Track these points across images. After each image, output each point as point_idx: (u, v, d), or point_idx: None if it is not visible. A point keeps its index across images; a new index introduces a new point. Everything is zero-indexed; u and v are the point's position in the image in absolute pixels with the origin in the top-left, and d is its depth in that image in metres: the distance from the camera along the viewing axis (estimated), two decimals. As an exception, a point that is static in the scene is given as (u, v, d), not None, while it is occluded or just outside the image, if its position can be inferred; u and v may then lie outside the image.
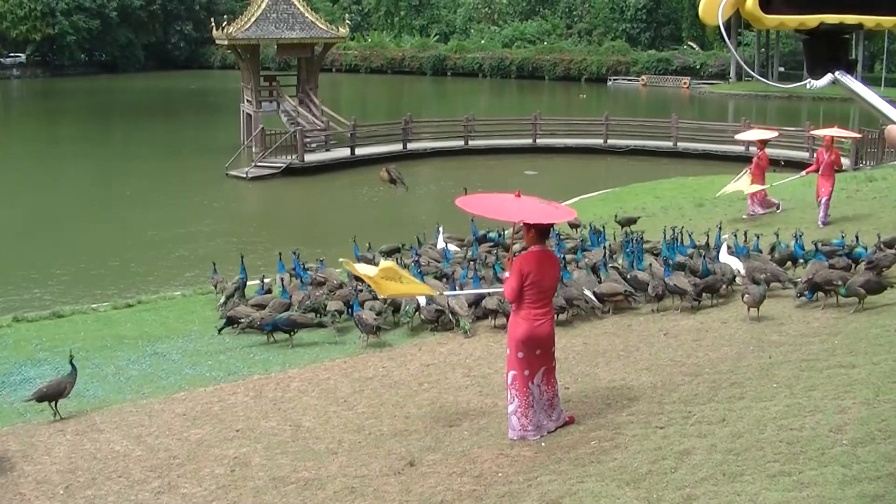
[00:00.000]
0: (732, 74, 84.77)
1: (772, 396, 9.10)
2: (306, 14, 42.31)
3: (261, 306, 14.65)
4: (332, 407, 10.78)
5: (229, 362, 13.15)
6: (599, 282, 14.37)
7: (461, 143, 43.47)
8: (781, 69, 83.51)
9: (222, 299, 15.45)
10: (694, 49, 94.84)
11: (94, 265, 23.50)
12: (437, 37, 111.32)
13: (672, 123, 42.70)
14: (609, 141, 43.01)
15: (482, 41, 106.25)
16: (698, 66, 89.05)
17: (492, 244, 17.92)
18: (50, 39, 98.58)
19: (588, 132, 44.68)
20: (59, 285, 21.39)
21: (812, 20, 2.81)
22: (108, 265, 23.53)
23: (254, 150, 39.61)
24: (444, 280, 15.37)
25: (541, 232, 9.12)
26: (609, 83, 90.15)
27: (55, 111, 70.02)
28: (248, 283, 16.19)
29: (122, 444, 9.95)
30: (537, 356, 9.06)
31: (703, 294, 14.00)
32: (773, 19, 2.79)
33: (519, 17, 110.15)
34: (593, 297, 13.89)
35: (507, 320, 13.29)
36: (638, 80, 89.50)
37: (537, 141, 43.96)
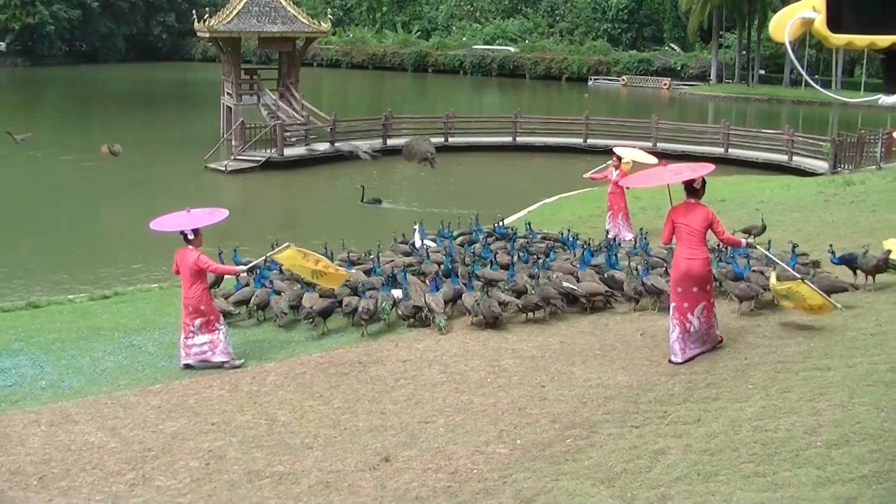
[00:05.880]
0: (713, 76, 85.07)
1: (747, 397, 9.14)
2: (288, 8, 42.21)
3: (242, 302, 14.71)
4: (308, 401, 10.76)
5: (205, 355, 13.10)
6: (578, 281, 14.37)
7: (441, 139, 43.39)
8: (762, 72, 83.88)
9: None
10: (675, 50, 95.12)
11: (70, 256, 23.39)
12: (419, 33, 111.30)
13: (652, 124, 42.84)
14: (589, 140, 43.13)
15: (464, 38, 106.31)
16: (679, 68, 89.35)
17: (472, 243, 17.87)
18: (30, 29, 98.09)
19: (568, 131, 44.81)
20: (35, 276, 21.28)
21: (883, 41, 2.81)
22: (85, 256, 23.42)
23: (233, 143, 39.50)
24: (422, 277, 15.42)
25: (686, 188, 11.04)
26: (589, 83, 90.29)
27: (35, 100, 69.69)
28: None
29: (97, 436, 9.90)
30: (694, 293, 10.84)
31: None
32: (841, 39, 2.80)
33: (501, 15, 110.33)
34: (575, 288, 13.91)
35: (484, 319, 13.36)
36: (618, 81, 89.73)
37: (517, 139, 44.02)
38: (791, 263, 13.50)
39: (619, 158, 20.22)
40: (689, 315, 10.87)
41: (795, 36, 3.02)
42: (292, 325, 14.39)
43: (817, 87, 6.13)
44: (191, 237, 12.58)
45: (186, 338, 12.46)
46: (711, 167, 11.62)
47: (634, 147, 24.98)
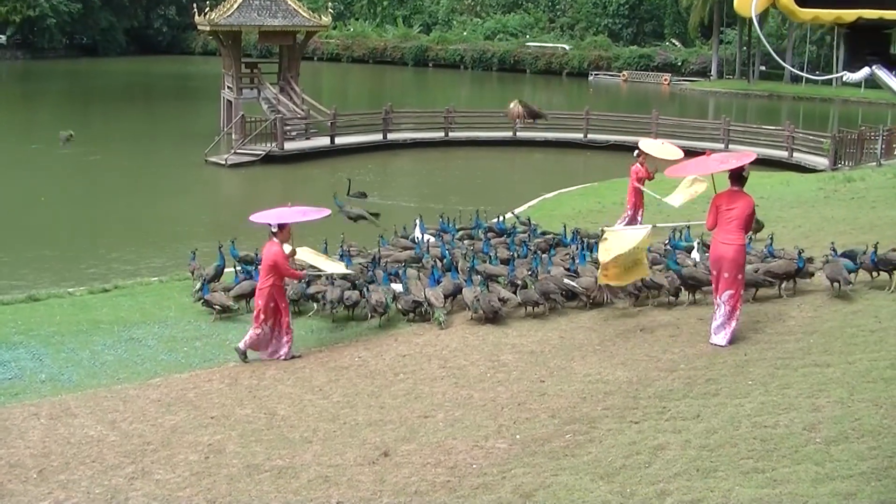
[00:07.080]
0: (713, 72, 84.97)
1: (746, 393, 9.15)
2: (289, 1, 42.13)
3: (242, 296, 14.75)
4: (308, 395, 10.77)
5: (205, 349, 13.12)
6: (577, 275, 14.37)
7: (441, 134, 43.46)
8: (762, 68, 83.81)
9: (198, 285, 15.37)
10: (676, 46, 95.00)
11: (70, 249, 23.38)
12: (420, 27, 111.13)
13: (652, 119, 42.79)
14: (589, 135, 43.13)
15: (464, 33, 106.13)
16: (680, 63, 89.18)
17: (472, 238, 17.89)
18: (30, 21, 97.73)
19: (568, 126, 44.74)
20: (35, 269, 21.27)
21: (849, 15, 2.81)
22: (85, 249, 23.41)
23: (233, 136, 39.47)
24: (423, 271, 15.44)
25: (731, 177, 11.53)
26: (590, 78, 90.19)
27: (35, 93, 69.61)
28: (226, 269, 16.13)
29: (97, 429, 9.90)
30: (725, 278, 11.32)
31: (680, 290, 14.01)
32: (807, 13, 2.80)
33: (502, 10, 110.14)
34: (574, 284, 13.93)
35: (484, 314, 13.36)
36: (619, 76, 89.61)
37: (517, 134, 43.97)
38: (800, 264, 13.54)
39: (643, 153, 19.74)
40: (717, 298, 11.47)
41: (761, 10, 3.01)
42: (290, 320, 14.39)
43: (785, 64, 6.12)
44: (274, 230, 12.58)
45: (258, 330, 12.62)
46: (754, 155, 12.33)
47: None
